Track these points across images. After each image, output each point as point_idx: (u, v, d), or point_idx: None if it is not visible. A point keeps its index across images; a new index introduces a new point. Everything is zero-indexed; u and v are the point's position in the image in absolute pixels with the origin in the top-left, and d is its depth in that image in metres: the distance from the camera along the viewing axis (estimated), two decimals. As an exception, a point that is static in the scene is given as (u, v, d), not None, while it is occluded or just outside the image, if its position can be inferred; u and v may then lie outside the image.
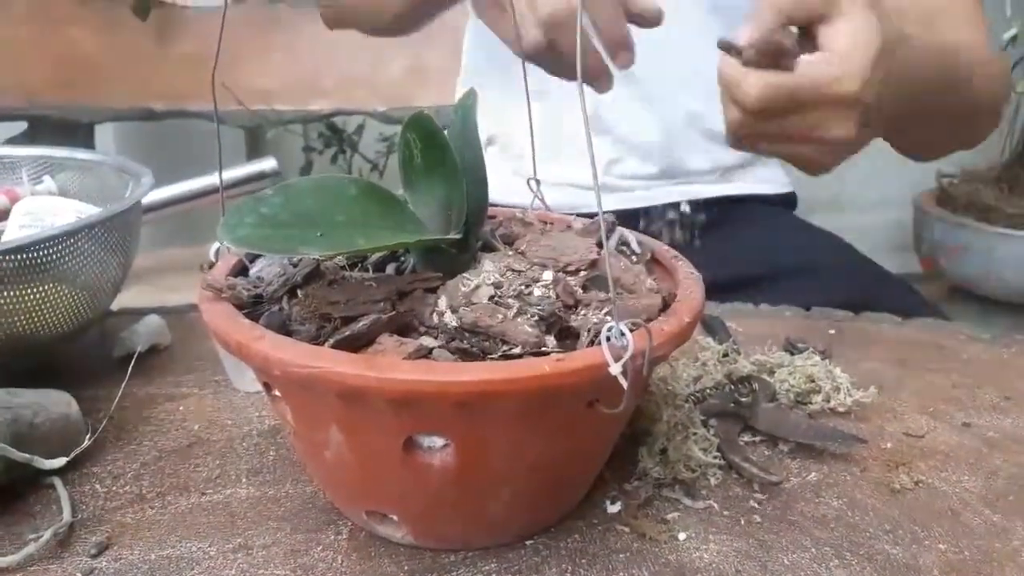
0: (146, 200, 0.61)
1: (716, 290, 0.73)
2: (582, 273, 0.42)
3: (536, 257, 0.42)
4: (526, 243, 0.44)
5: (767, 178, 0.98)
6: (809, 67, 0.51)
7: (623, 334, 0.34)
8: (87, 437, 0.49)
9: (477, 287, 0.39)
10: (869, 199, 2.18)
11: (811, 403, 0.55)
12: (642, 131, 0.90)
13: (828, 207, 1.96)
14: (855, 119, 0.52)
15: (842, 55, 0.51)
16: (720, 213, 0.92)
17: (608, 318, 0.37)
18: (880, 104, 0.53)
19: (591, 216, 0.49)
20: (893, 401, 0.57)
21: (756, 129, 0.53)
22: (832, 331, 0.68)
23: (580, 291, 0.40)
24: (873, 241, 1.43)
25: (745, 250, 0.89)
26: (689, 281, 0.44)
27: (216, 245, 0.47)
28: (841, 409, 0.55)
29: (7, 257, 0.49)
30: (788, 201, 1.00)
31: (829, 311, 0.72)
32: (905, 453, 0.51)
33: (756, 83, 0.51)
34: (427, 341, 0.37)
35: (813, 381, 0.56)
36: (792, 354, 0.60)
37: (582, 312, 0.39)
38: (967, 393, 0.58)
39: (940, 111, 0.68)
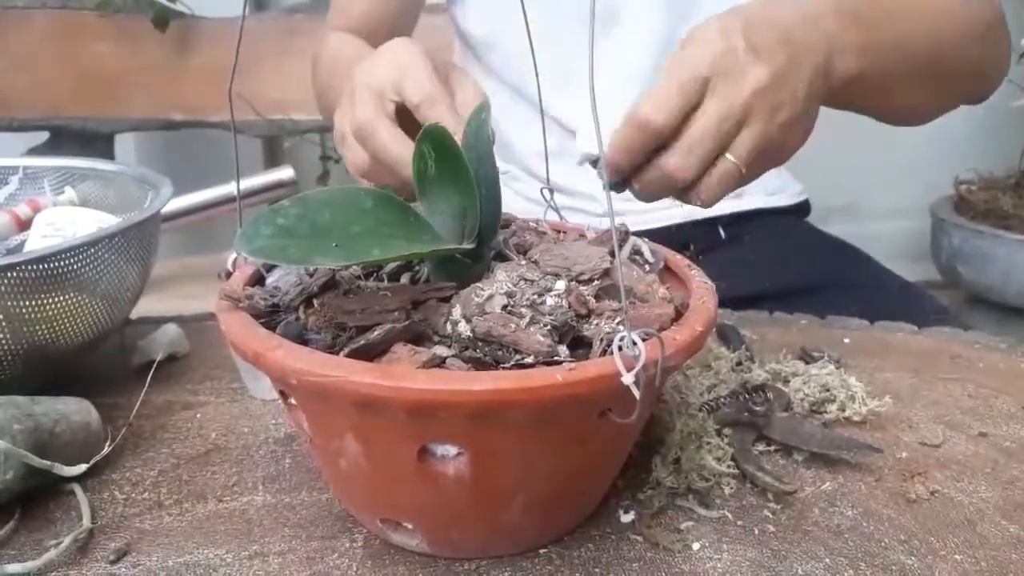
0: (165, 209, 0.62)
1: (732, 307, 0.73)
2: (595, 282, 0.42)
3: (549, 266, 0.42)
4: (539, 252, 0.45)
5: (778, 188, 0.98)
6: (674, 67, 0.47)
7: (635, 344, 0.34)
8: (106, 444, 0.50)
9: (490, 296, 0.39)
10: (885, 206, 2.17)
11: (826, 412, 0.55)
12: None
13: (843, 215, 1.95)
14: (785, 96, 0.49)
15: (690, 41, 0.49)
16: (732, 230, 0.92)
17: (621, 327, 0.38)
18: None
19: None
20: (908, 410, 0.57)
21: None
22: (847, 340, 0.67)
23: (593, 300, 0.40)
24: (889, 249, 1.42)
25: (760, 267, 0.88)
26: (702, 290, 0.44)
27: (233, 255, 0.48)
28: (856, 418, 0.55)
29: (29, 267, 0.50)
30: (801, 209, 1.00)
31: (844, 320, 0.71)
32: (921, 463, 0.51)
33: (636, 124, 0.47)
34: (441, 350, 0.37)
35: (828, 390, 0.56)
36: (807, 363, 0.60)
37: (595, 321, 0.39)
38: (983, 403, 0.58)
39: (908, 72, 0.61)
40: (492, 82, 0.92)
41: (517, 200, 0.93)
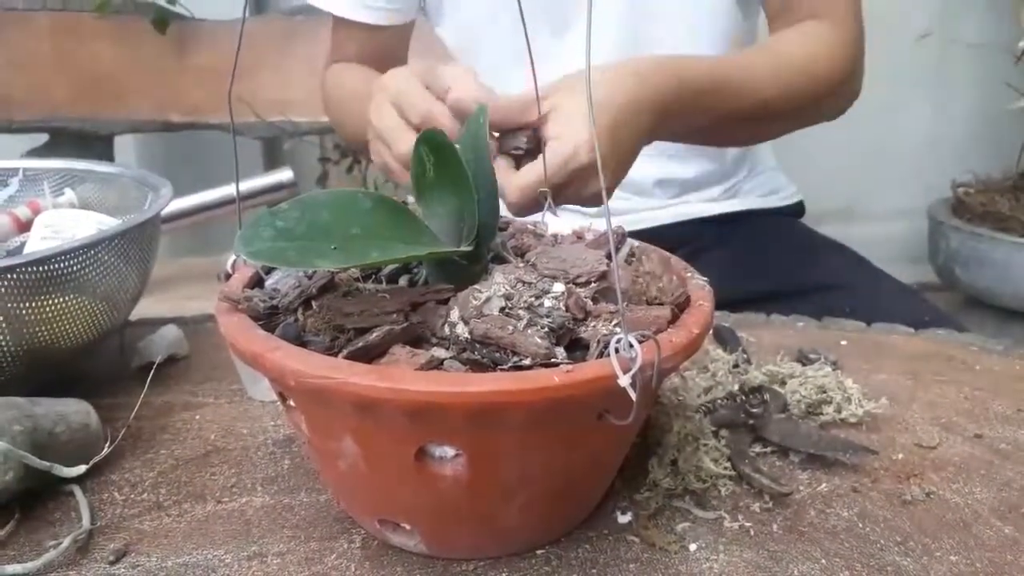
0: (164, 211, 0.62)
1: (728, 309, 0.73)
2: (592, 284, 0.42)
3: (547, 269, 0.43)
4: (537, 255, 0.45)
5: (774, 189, 0.98)
6: (551, 153, 0.58)
7: (632, 346, 0.34)
8: (106, 445, 0.50)
9: (488, 299, 0.39)
10: (881, 209, 2.17)
11: (822, 414, 0.55)
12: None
13: (839, 217, 1.95)
14: (606, 174, 0.58)
15: (566, 135, 0.58)
16: (728, 230, 0.92)
17: (617, 330, 0.38)
18: (624, 143, 0.61)
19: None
20: (905, 412, 0.57)
21: (531, 208, 0.60)
22: (844, 342, 0.68)
23: (590, 303, 0.40)
24: (887, 251, 1.42)
25: (757, 269, 0.88)
26: (699, 292, 0.44)
27: (233, 257, 0.48)
28: (852, 420, 0.55)
29: (29, 269, 0.50)
30: (796, 211, 1.00)
31: (841, 322, 0.72)
32: (916, 464, 0.51)
33: (513, 189, 0.58)
34: (439, 352, 0.38)
35: (824, 392, 0.56)
36: (803, 365, 0.61)
37: (592, 324, 0.39)
38: (979, 404, 0.58)
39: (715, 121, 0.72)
40: None
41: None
